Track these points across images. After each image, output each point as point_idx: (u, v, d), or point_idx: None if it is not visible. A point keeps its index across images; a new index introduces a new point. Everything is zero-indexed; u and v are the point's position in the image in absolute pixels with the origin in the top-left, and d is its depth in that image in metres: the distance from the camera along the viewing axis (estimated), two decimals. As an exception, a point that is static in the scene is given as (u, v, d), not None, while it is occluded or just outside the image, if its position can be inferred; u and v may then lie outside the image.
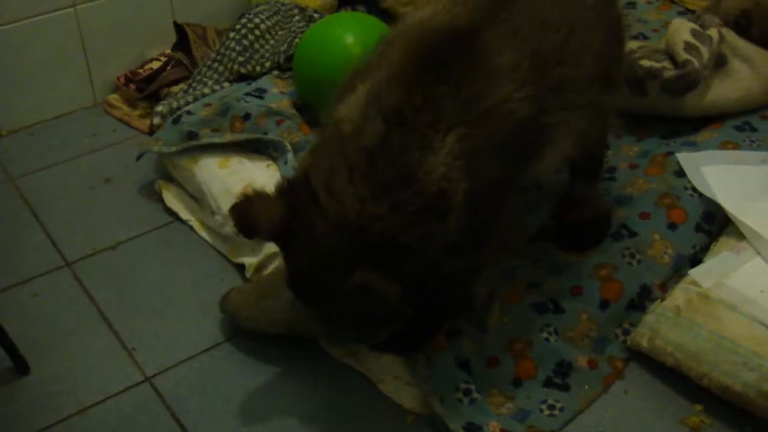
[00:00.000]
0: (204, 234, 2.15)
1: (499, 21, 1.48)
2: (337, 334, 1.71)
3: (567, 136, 1.60)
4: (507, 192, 1.56)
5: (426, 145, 1.39)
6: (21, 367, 1.80)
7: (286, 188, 1.48)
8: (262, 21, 2.61)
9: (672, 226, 1.92)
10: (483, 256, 1.64)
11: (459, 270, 1.61)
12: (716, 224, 1.95)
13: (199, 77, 2.53)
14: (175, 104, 2.43)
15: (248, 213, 1.48)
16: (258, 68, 2.53)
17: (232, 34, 2.57)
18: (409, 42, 1.49)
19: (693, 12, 2.61)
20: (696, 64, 2.13)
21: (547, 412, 1.68)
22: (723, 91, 2.19)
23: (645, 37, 2.54)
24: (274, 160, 2.16)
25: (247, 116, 2.25)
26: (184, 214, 2.20)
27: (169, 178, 2.29)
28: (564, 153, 1.64)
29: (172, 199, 2.24)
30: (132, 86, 2.65)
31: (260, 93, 2.37)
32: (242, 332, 1.87)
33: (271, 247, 1.91)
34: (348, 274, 1.41)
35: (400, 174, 1.39)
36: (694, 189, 1.97)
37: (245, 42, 2.55)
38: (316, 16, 2.73)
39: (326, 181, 1.43)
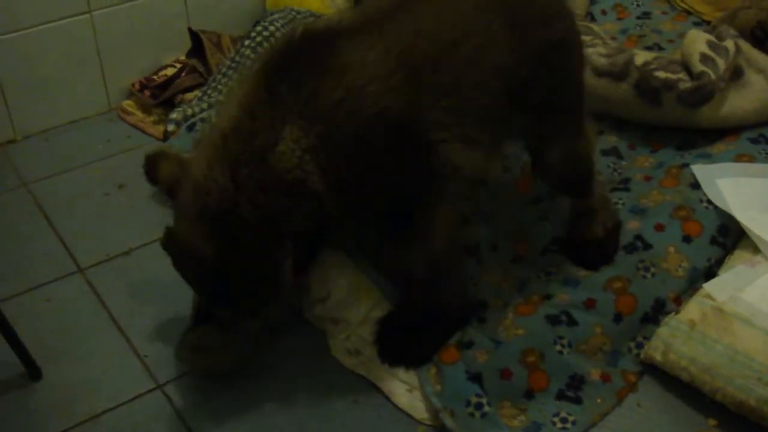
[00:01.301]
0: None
1: (368, 27, 1.56)
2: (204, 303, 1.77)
3: (463, 143, 1.60)
4: (406, 191, 1.59)
5: (274, 134, 1.50)
6: (33, 372, 1.80)
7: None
8: (277, 29, 2.61)
9: (687, 239, 1.91)
10: (430, 257, 1.67)
11: (426, 271, 1.69)
12: (731, 237, 1.94)
13: (213, 84, 2.53)
14: (189, 111, 2.43)
15: (156, 165, 1.76)
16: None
17: (247, 42, 2.57)
18: (276, 43, 1.62)
19: (708, 23, 2.60)
20: (712, 75, 2.13)
21: (559, 425, 1.67)
22: (739, 102, 2.19)
23: (660, 48, 2.53)
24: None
25: (261, 124, 2.24)
26: None
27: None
28: (468, 158, 1.64)
29: None
30: (146, 93, 2.66)
31: (274, 101, 2.37)
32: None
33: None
34: (187, 230, 1.58)
35: (247, 154, 1.51)
36: (710, 201, 1.96)
37: (260, 49, 2.55)
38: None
39: (196, 153, 1.62)
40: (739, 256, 1.90)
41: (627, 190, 2.09)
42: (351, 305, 1.85)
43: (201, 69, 2.67)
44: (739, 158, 2.09)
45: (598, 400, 1.72)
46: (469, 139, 1.60)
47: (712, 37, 2.26)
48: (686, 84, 2.14)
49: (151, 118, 2.63)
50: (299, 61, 1.53)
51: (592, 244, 1.92)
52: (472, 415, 1.65)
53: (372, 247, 1.89)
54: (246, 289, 1.63)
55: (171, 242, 1.61)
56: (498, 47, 1.61)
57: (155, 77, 2.69)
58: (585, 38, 2.10)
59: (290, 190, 1.52)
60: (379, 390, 1.76)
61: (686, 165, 2.08)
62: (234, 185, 1.52)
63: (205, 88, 2.54)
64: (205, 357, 1.77)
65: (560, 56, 1.73)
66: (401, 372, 1.75)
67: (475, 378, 1.70)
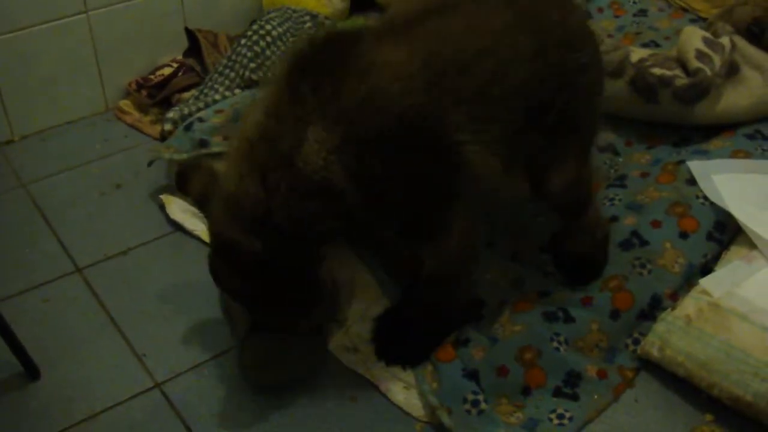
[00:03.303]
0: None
1: (395, 31, 1.58)
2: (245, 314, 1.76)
3: (484, 148, 1.60)
4: (428, 189, 1.59)
5: (299, 136, 1.51)
6: (32, 372, 1.81)
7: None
8: (274, 27, 2.62)
9: (683, 235, 1.91)
10: (445, 256, 1.68)
11: (438, 270, 1.69)
12: (727, 233, 1.95)
13: (210, 83, 2.53)
14: (186, 110, 2.43)
15: (188, 176, 1.73)
16: (269, 75, 2.53)
17: (243, 41, 2.58)
18: (297, 46, 1.61)
19: (705, 20, 2.60)
20: (708, 72, 2.13)
21: (556, 421, 1.67)
22: (735, 99, 2.19)
23: (656, 45, 2.54)
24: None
25: (258, 123, 2.25)
26: (190, 224, 2.20)
27: (173, 190, 2.29)
28: (488, 165, 1.63)
29: (175, 210, 2.24)
30: (143, 92, 2.66)
31: (271, 99, 2.37)
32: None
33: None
34: (223, 236, 1.57)
35: (275, 159, 1.52)
36: (706, 197, 1.97)
37: (257, 48, 2.56)
38: (327, 22, 2.74)
39: (225, 162, 1.62)
40: (736, 251, 1.90)
41: (623, 186, 2.10)
42: (349, 301, 1.86)
43: (198, 68, 2.67)
44: (735, 154, 2.10)
45: (595, 397, 1.72)
46: (489, 147, 1.61)
47: (707, 34, 2.26)
48: (682, 80, 2.14)
49: (148, 118, 2.64)
50: (321, 62, 1.54)
51: (578, 260, 1.91)
52: (468, 412, 1.65)
53: (378, 243, 1.89)
54: (288, 294, 1.63)
55: (217, 248, 1.61)
56: (523, 66, 1.62)
57: (152, 77, 2.69)
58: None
59: (319, 192, 1.52)
60: (376, 387, 1.76)
61: (682, 161, 2.09)
62: (265, 192, 1.52)
63: (201, 87, 2.55)
64: (270, 367, 1.77)
65: (584, 79, 1.74)
66: (398, 370, 1.76)
67: (472, 375, 1.70)
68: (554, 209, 1.91)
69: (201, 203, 1.70)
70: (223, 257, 1.59)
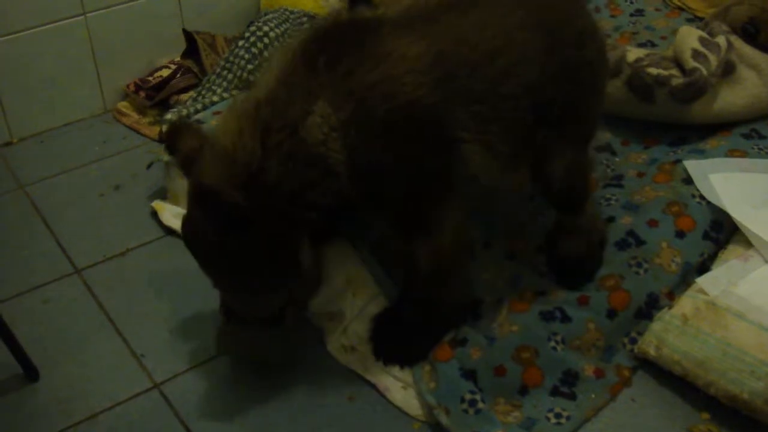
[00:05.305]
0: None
1: (412, 24, 1.59)
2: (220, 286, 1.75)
3: (485, 149, 1.63)
4: (423, 183, 1.60)
5: (306, 107, 1.53)
6: (31, 373, 1.81)
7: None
8: (272, 29, 2.62)
9: (680, 234, 1.92)
10: (439, 252, 1.68)
11: (432, 265, 1.69)
12: (724, 232, 1.95)
13: (208, 85, 2.54)
14: (184, 112, 2.44)
15: (177, 134, 1.69)
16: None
17: (241, 42, 2.58)
18: (320, 21, 1.63)
19: (701, 19, 2.61)
20: (704, 71, 2.13)
21: (553, 420, 1.68)
22: (731, 98, 2.19)
23: (653, 45, 2.54)
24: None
25: (256, 124, 2.25)
26: None
27: (166, 194, 2.30)
28: (487, 165, 1.65)
29: (168, 216, 2.24)
30: (142, 94, 2.67)
31: (269, 100, 2.38)
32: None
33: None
34: (205, 186, 1.54)
35: (279, 122, 1.53)
36: (702, 197, 1.97)
37: (254, 50, 2.56)
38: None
39: (223, 122, 1.62)
40: (732, 250, 1.90)
41: (620, 186, 2.10)
42: (346, 298, 1.86)
43: (196, 70, 2.68)
44: (731, 153, 2.10)
45: (593, 396, 1.73)
46: (490, 147, 1.63)
47: (704, 33, 2.26)
48: (678, 80, 2.15)
49: (147, 119, 2.64)
50: (342, 40, 1.56)
51: (570, 262, 1.91)
52: (466, 411, 1.66)
53: (377, 241, 1.90)
54: (261, 262, 1.61)
55: (196, 198, 1.58)
56: (532, 65, 1.64)
57: (150, 78, 2.70)
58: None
59: (316, 163, 1.54)
60: (374, 387, 1.77)
61: (679, 161, 2.09)
62: (263, 150, 1.53)
63: (199, 88, 2.55)
64: (246, 346, 1.80)
65: (589, 74, 1.76)
66: (396, 369, 1.76)
67: (470, 375, 1.71)
68: (552, 199, 1.91)
69: (186, 164, 1.64)
70: (202, 208, 1.57)
